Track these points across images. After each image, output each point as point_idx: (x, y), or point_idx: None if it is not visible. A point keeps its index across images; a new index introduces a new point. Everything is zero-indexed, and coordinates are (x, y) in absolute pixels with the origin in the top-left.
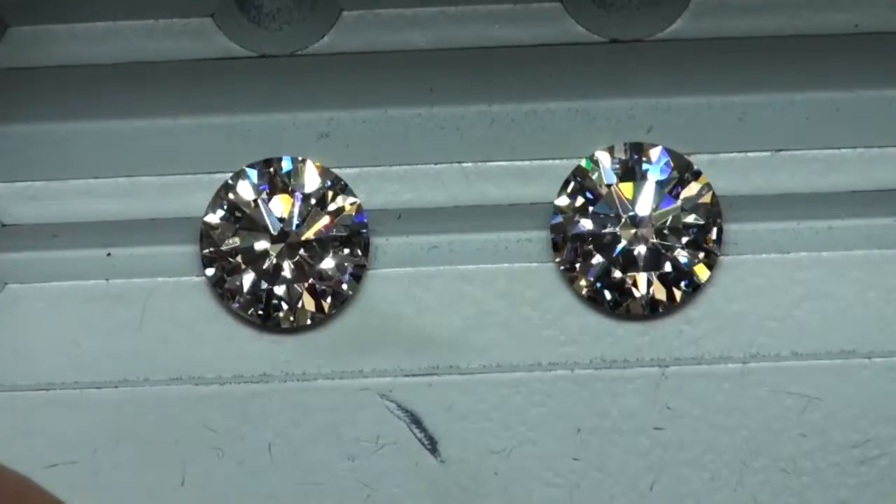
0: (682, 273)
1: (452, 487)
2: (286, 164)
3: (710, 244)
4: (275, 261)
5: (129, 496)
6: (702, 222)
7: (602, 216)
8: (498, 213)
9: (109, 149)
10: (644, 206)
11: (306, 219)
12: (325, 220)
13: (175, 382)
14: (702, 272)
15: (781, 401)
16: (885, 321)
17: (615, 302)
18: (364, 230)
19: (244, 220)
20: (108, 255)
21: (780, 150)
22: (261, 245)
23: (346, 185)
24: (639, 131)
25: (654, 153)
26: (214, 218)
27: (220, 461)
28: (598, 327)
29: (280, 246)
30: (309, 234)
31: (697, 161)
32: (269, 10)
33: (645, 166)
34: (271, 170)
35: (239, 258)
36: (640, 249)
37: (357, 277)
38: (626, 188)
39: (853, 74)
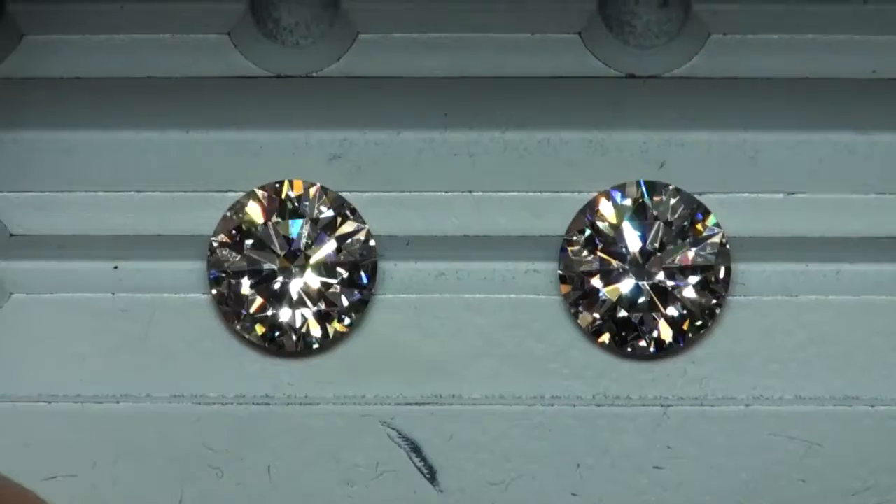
0: (689, 312)
1: None
2: (297, 187)
3: (718, 284)
4: (281, 283)
5: None
6: (710, 262)
7: (610, 252)
8: (507, 244)
9: (120, 162)
10: (653, 244)
11: (314, 242)
12: (334, 244)
13: (177, 400)
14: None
15: (782, 445)
16: (890, 369)
17: (620, 338)
18: (372, 255)
19: (252, 240)
20: (115, 268)
21: (792, 193)
22: (268, 267)
23: (355, 209)
24: (651, 166)
25: (666, 191)
26: (223, 237)
27: (219, 481)
28: (602, 363)
29: (287, 268)
30: (316, 258)
31: (709, 200)
32: (286, 24)
33: (656, 204)
34: (282, 192)
35: (245, 279)
36: (648, 287)
37: (363, 302)
38: (636, 225)
39: (868, 118)
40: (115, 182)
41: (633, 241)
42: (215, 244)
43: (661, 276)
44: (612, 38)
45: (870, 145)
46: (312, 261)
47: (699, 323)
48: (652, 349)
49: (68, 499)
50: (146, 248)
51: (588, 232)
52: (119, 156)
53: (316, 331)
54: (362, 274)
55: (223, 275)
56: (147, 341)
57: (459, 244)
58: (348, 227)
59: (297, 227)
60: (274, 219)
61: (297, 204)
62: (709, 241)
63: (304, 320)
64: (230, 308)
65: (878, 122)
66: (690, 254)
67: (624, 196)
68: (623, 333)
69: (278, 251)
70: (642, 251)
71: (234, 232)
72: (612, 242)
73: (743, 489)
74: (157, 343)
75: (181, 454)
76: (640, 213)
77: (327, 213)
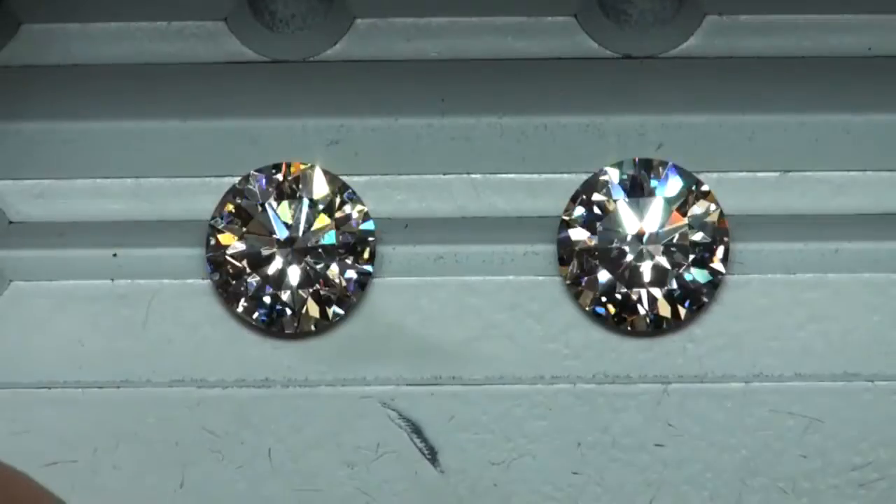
0: (688, 291)
1: (451, 498)
2: (294, 170)
3: (717, 263)
4: (280, 266)
5: (127, 496)
6: (709, 241)
7: (609, 231)
8: (505, 226)
9: (118, 149)
10: (651, 222)
11: (313, 225)
12: (332, 226)
13: (177, 384)
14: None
15: (783, 421)
16: (889, 345)
17: (619, 317)
18: (371, 238)
19: (251, 224)
20: (114, 255)
21: (789, 171)
22: (267, 250)
23: (354, 192)
24: (649, 148)
25: (664, 170)
26: (221, 221)
27: (220, 464)
28: (601, 342)
29: (286, 251)
30: (315, 241)
31: (706, 179)
32: (282, 17)
33: (654, 183)
34: (279, 175)
35: (244, 262)
36: (646, 266)
37: (362, 285)
38: (634, 204)
39: (864, 97)
40: (114, 169)
41: (630, 219)
42: (214, 229)
43: (659, 254)
44: (607, 19)
45: (866, 123)
46: (311, 243)
47: (697, 301)
48: (651, 328)
49: (69, 484)
50: (145, 235)
51: (586, 212)
52: (117, 142)
53: (315, 313)
54: (361, 256)
55: (222, 259)
56: (147, 327)
57: (458, 226)
58: (347, 209)
59: (295, 210)
60: (272, 201)
61: (295, 187)
62: (707, 220)
63: (303, 303)
64: (229, 292)
65: (875, 101)
66: (688, 232)
67: (621, 175)
68: (622, 313)
69: (277, 234)
70: (640, 230)
71: (232, 216)
72: (610, 222)
73: (744, 466)
74: (156, 328)
75: (182, 438)
76: (637, 192)
77: (326, 195)
